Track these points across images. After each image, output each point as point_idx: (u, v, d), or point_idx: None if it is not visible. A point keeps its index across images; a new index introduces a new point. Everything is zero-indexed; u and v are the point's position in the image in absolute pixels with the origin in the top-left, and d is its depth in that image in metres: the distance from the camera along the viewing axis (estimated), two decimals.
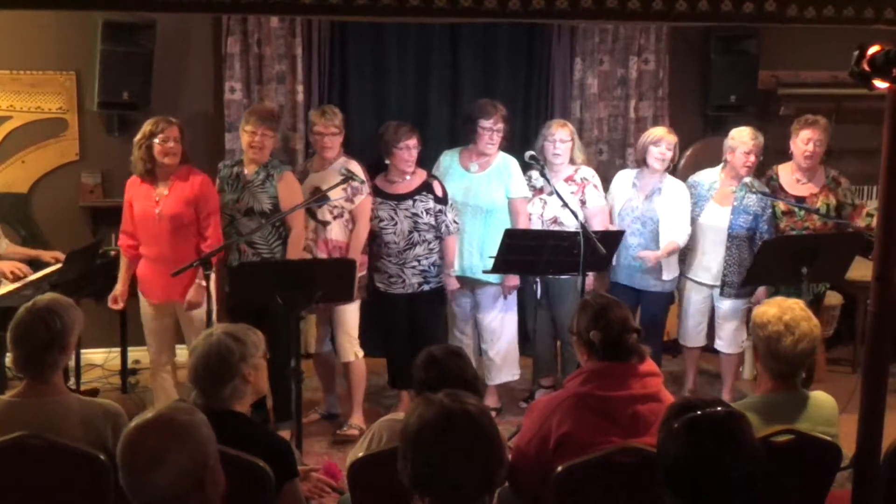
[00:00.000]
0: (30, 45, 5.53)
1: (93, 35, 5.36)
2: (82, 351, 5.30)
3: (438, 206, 4.91)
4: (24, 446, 2.70)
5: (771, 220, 5.04)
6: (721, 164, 5.15)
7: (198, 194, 4.53)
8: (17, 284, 4.53)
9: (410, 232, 4.89)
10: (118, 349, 5.55)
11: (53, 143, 5.67)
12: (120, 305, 4.76)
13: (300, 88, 5.72)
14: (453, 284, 5.01)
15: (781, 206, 5.08)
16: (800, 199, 5.07)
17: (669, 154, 5.06)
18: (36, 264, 4.88)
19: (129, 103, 5.46)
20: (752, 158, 4.98)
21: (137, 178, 4.58)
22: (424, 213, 4.89)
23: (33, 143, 5.64)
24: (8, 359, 4.10)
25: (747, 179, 5.06)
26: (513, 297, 5.19)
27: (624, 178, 5.22)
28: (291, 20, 5.63)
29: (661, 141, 5.03)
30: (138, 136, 4.51)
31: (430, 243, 4.93)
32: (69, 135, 5.68)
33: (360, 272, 4.84)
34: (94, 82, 5.43)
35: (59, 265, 4.82)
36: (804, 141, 5.03)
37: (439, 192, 4.93)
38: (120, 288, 4.72)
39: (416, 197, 4.90)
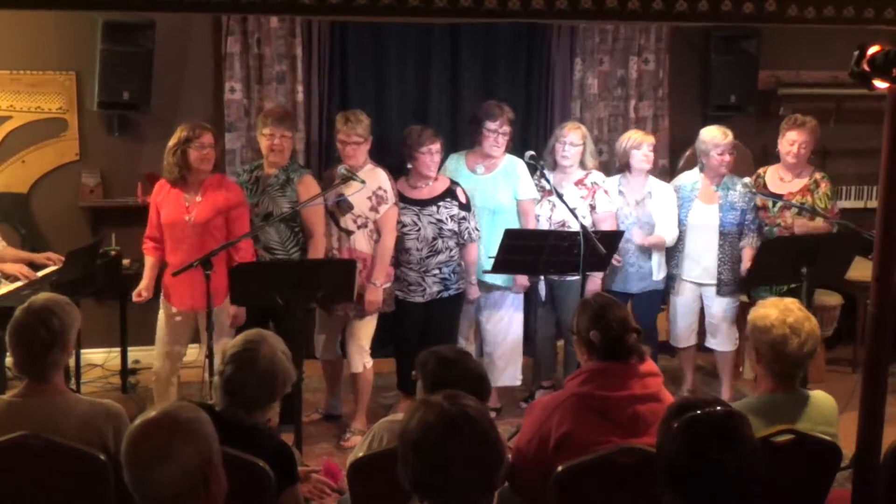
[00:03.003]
0: (30, 45, 5.52)
1: (93, 35, 5.35)
2: (82, 351, 5.29)
3: (462, 213, 4.87)
4: (24, 446, 2.70)
5: (756, 216, 5.13)
6: (698, 167, 5.25)
7: (231, 203, 4.49)
8: (17, 284, 4.52)
9: (434, 238, 4.84)
10: (118, 349, 5.55)
11: (53, 143, 5.67)
12: (143, 298, 4.63)
13: (300, 88, 5.72)
14: (475, 293, 4.99)
15: (758, 201, 5.14)
16: (778, 197, 5.14)
17: (652, 155, 5.13)
18: (31, 267, 4.85)
19: (129, 103, 5.45)
20: (728, 157, 5.07)
21: (166, 183, 4.54)
22: (448, 219, 4.85)
23: (33, 143, 5.63)
24: (8, 359, 4.11)
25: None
26: (519, 301, 5.17)
27: (610, 187, 5.20)
28: (291, 20, 5.63)
29: (642, 144, 5.08)
30: (172, 142, 4.46)
31: (451, 251, 4.89)
32: (69, 135, 5.68)
33: (387, 283, 4.80)
34: (94, 82, 5.42)
35: (56, 266, 4.81)
36: (789, 142, 5.10)
37: (463, 199, 4.89)
38: (145, 283, 4.62)
39: (441, 203, 4.86)
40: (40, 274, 4.72)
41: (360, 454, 2.88)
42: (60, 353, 2.88)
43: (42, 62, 5.56)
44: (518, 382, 5.29)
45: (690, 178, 5.23)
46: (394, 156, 5.13)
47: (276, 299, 4.11)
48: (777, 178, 5.23)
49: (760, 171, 5.35)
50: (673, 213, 5.10)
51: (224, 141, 5.64)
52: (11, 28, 5.41)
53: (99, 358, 5.81)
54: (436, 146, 4.81)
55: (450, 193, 4.89)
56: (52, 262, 4.84)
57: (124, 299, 5.46)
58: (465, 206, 4.90)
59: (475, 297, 5.01)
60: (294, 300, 4.16)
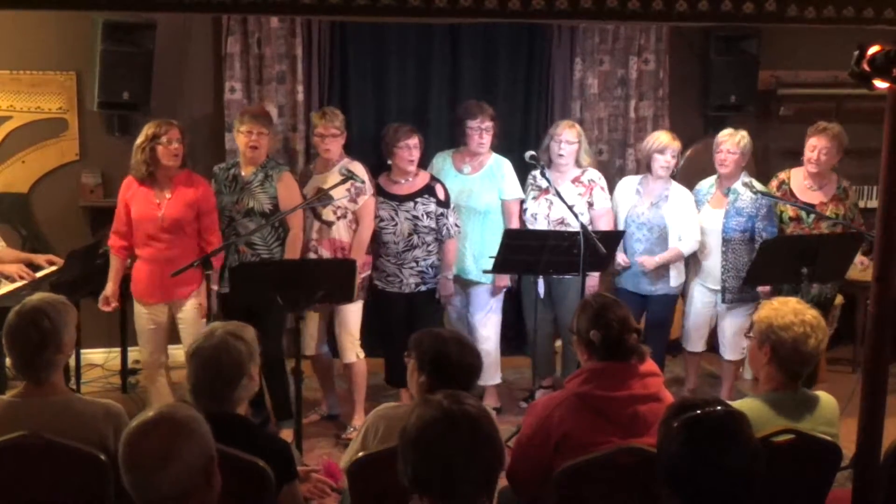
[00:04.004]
0: (30, 45, 5.53)
1: (93, 35, 5.36)
2: (82, 351, 5.30)
3: (440, 210, 4.90)
4: (24, 446, 2.70)
5: (769, 219, 5.00)
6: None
7: (200, 198, 4.54)
8: (17, 284, 4.52)
9: (410, 234, 4.88)
10: (118, 349, 5.56)
11: (53, 143, 5.67)
12: (111, 306, 4.72)
13: (300, 88, 5.72)
14: (448, 289, 5.00)
15: (790, 211, 5.07)
16: (809, 206, 5.04)
17: (674, 161, 5.08)
18: (31, 268, 4.85)
19: (129, 103, 5.45)
20: (723, 156, 5.00)
21: (134, 181, 4.57)
22: (425, 215, 4.88)
23: (33, 143, 5.63)
24: (8, 360, 4.12)
25: (746, 179, 5.06)
26: (498, 301, 5.20)
27: (627, 185, 5.22)
28: (291, 20, 5.63)
29: (666, 149, 5.03)
30: (140, 139, 4.50)
31: (428, 245, 4.93)
32: (69, 135, 5.68)
33: (364, 272, 4.85)
34: (94, 82, 5.42)
35: (55, 267, 4.81)
36: (810, 148, 5.02)
37: (441, 196, 4.93)
38: (111, 288, 4.69)
39: (418, 199, 4.89)
40: (39, 274, 4.72)
41: (358, 450, 2.88)
42: (54, 353, 2.85)
43: (42, 62, 5.56)
44: (499, 380, 5.28)
45: (708, 182, 5.20)
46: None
47: (277, 299, 4.11)
48: (804, 186, 5.11)
49: (783, 176, 5.20)
50: (693, 220, 5.04)
51: (224, 141, 5.66)
52: (11, 28, 5.41)
53: (99, 358, 5.81)
54: (413, 141, 4.86)
55: (428, 190, 4.92)
56: (51, 264, 4.84)
57: (124, 299, 5.46)
58: (444, 203, 4.92)
59: (447, 293, 5.01)
60: (294, 300, 4.16)
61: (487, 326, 5.17)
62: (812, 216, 5.03)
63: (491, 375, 5.19)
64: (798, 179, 5.16)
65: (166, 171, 4.51)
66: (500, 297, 5.20)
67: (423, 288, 4.95)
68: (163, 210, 4.49)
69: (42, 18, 5.38)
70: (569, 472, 2.75)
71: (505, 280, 5.08)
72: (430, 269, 4.95)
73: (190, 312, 4.56)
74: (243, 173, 4.74)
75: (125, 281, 5.09)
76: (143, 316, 4.66)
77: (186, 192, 4.52)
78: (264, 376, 4.80)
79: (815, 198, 5.08)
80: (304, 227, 4.80)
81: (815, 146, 5.00)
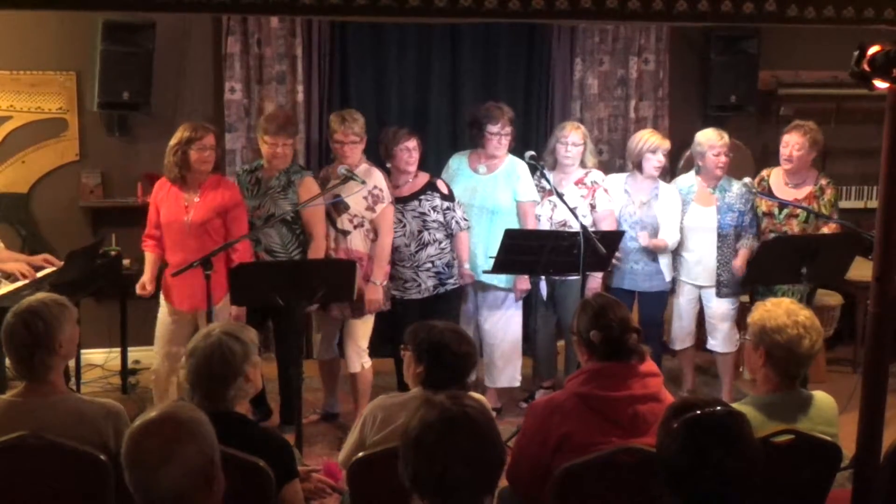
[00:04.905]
0: (30, 45, 5.53)
1: (93, 35, 5.36)
2: (82, 351, 5.29)
3: (446, 204, 4.90)
4: (24, 446, 2.70)
5: (753, 213, 5.11)
6: (694, 169, 5.23)
7: (228, 204, 4.51)
8: (17, 284, 4.51)
9: (420, 232, 4.87)
10: (118, 349, 5.55)
11: (53, 143, 5.67)
12: (149, 290, 4.61)
13: (300, 88, 5.72)
14: (469, 278, 4.98)
15: (763, 206, 5.12)
16: (799, 205, 5.07)
17: (665, 161, 5.11)
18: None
19: (129, 103, 5.46)
20: (724, 158, 5.06)
21: (166, 181, 4.55)
22: (432, 210, 4.88)
23: (33, 143, 5.64)
24: (7, 360, 4.11)
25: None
26: (518, 302, 5.17)
27: (614, 184, 5.21)
28: (291, 20, 5.63)
29: (658, 149, 5.05)
30: (173, 141, 4.47)
31: (440, 243, 4.91)
32: (69, 135, 5.68)
33: (384, 281, 4.82)
34: (94, 82, 5.43)
35: (54, 268, 4.80)
36: (783, 144, 5.10)
37: (444, 190, 4.93)
38: (147, 276, 4.61)
39: (422, 196, 4.89)
40: (40, 274, 4.71)
41: (360, 454, 2.88)
42: (48, 354, 2.82)
43: (42, 62, 5.56)
44: (517, 384, 5.28)
45: (687, 182, 5.22)
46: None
47: (276, 300, 4.11)
48: (782, 184, 5.17)
49: (764, 173, 5.30)
50: (676, 217, 5.08)
51: (224, 141, 5.66)
52: (11, 28, 5.41)
53: (99, 358, 5.81)
54: (412, 143, 4.85)
55: (430, 186, 4.92)
56: (49, 265, 4.83)
57: (124, 299, 5.47)
58: (449, 197, 4.92)
59: (469, 281, 5.00)
60: (294, 301, 4.16)
61: (503, 330, 5.13)
62: (784, 212, 5.07)
63: (508, 377, 5.18)
64: (777, 177, 5.23)
65: (197, 176, 4.49)
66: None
67: (441, 290, 4.92)
68: (190, 214, 4.47)
69: (42, 18, 5.39)
70: (569, 472, 2.75)
71: (525, 283, 5.04)
72: (446, 269, 4.92)
73: (221, 317, 4.42)
74: (266, 177, 4.72)
75: (129, 280, 5.07)
76: (169, 320, 4.61)
77: (215, 197, 4.49)
78: (279, 377, 4.82)
79: (789, 196, 5.13)
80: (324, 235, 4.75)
81: (788, 142, 5.07)
